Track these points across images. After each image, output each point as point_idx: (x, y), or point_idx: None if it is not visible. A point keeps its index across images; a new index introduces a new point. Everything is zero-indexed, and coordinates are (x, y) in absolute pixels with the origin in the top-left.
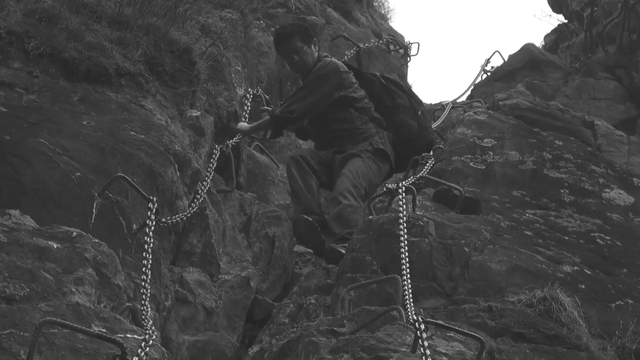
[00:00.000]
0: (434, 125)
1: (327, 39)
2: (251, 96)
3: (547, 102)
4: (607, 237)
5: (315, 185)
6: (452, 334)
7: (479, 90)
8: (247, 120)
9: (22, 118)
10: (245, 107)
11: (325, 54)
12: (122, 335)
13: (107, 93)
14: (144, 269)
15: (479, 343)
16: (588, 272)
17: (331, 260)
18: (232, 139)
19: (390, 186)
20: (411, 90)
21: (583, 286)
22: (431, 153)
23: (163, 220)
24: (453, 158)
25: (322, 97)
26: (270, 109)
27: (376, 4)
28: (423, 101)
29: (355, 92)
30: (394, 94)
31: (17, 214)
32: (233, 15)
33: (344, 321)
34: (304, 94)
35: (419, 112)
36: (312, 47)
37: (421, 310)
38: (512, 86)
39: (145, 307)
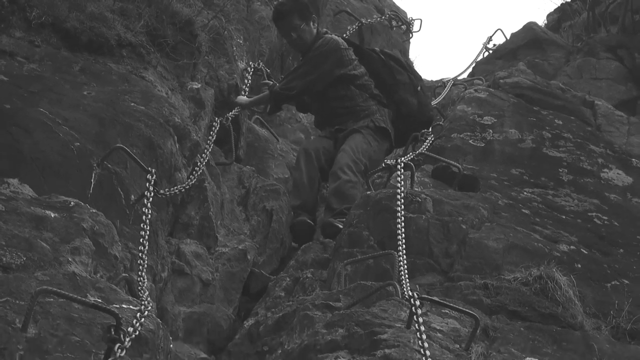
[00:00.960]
0: (434, 102)
1: (330, 14)
2: (252, 70)
3: (548, 81)
4: (605, 217)
5: (317, 183)
6: (447, 311)
7: (481, 68)
8: (247, 93)
9: (22, 87)
10: (246, 81)
11: (325, 30)
12: (117, 306)
13: (108, 64)
14: (141, 240)
15: (473, 320)
16: (584, 251)
17: (328, 235)
18: (232, 112)
19: (388, 162)
20: (411, 66)
21: (579, 265)
22: (430, 130)
23: (161, 191)
24: (452, 135)
25: (322, 74)
26: (271, 83)
27: None
28: (424, 77)
29: (356, 69)
30: (393, 71)
31: (16, 182)
32: None
33: (340, 296)
34: (304, 71)
35: (419, 89)
36: (311, 24)
37: (417, 286)
38: (513, 64)
39: (141, 278)
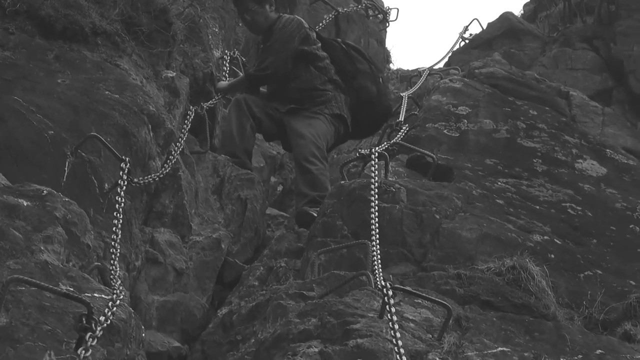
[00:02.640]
0: (409, 92)
1: (306, 3)
2: (228, 58)
3: (523, 72)
4: (579, 208)
5: (249, 129)
6: (420, 301)
7: (457, 58)
8: (228, 76)
9: None
10: (225, 69)
11: (282, 14)
12: (89, 295)
13: (83, 52)
14: (114, 228)
15: (446, 310)
16: (558, 241)
17: (303, 224)
18: (210, 102)
19: (363, 151)
20: (372, 58)
21: (552, 256)
22: (404, 119)
23: (135, 180)
24: (427, 125)
25: (292, 51)
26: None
27: None
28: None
29: (319, 50)
30: (354, 59)
31: None
32: None
33: (313, 285)
34: (275, 49)
35: (379, 79)
36: (267, 7)
37: (390, 276)
38: (489, 54)
39: (114, 267)
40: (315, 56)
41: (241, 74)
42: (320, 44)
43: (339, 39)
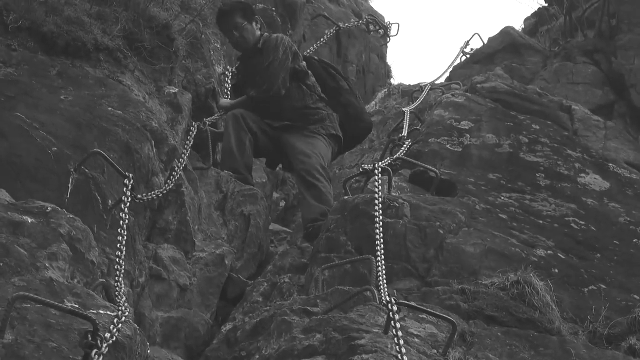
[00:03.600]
0: (412, 107)
1: (307, 18)
2: (230, 74)
3: (525, 86)
4: (582, 222)
5: (249, 144)
6: (424, 316)
7: (458, 73)
8: (229, 96)
9: None
10: (227, 85)
11: (267, 34)
12: (94, 312)
13: (86, 68)
14: (118, 245)
15: (451, 325)
16: (562, 256)
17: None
18: (210, 117)
19: (366, 167)
20: (347, 76)
21: (556, 270)
22: (405, 134)
23: (139, 196)
24: (430, 140)
25: (288, 70)
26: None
27: None
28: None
29: (304, 67)
30: (335, 77)
31: None
32: None
33: (318, 301)
34: (274, 71)
35: (358, 96)
36: (254, 24)
37: (394, 291)
38: (491, 69)
39: (119, 284)
40: (305, 74)
41: None
42: (304, 62)
43: (315, 57)
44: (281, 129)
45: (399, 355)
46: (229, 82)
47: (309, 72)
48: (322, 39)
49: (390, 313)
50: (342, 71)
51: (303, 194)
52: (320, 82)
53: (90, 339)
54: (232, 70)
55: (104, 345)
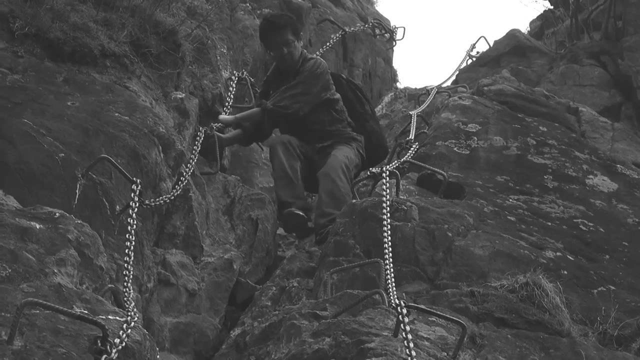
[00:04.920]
0: (418, 110)
1: (313, 23)
2: (236, 79)
3: (532, 88)
4: (590, 224)
5: (299, 170)
6: (434, 319)
7: (464, 76)
8: (231, 101)
9: (5, 98)
10: (231, 89)
11: (304, 50)
12: (103, 317)
13: (92, 74)
14: (126, 250)
15: (460, 328)
16: (570, 258)
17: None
18: (218, 124)
19: (374, 170)
20: (368, 97)
21: (565, 272)
22: (412, 137)
23: (146, 202)
24: (437, 143)
25: (313, 97)
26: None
27: None
28: (407, 86)
29: (335, 94)
30: (362, 101)
31: (0, 194)
32: None
33: (326, 305)
34: (299, 91)
35: (378, 120)
36: (299, 42)
37: (403, 294)
38: (497, 72)
39: (127, 289)
40: (335, 101)
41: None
42: (334, 87)
43: (344, 76)
44: (318, 152)
45: (409, 358)
46: (234, 87)
47: (337, 96)
48: (328, 43)
49: (400, 316)
50: (349, 75)
51: (320, 193)
52: (347, 104)
53: (99, 344)
54: (238, 75)
55: (113, 351)
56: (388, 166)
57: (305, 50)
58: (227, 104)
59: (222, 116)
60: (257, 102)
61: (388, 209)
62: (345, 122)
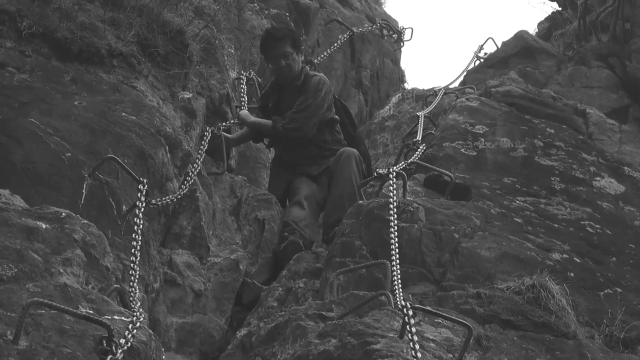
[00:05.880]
0: (426, 111)
1: (321, 23)
2: (245, 79)
3: (540, 90)
4: (597, 226)
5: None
6: (440, 320)
7: (472, 77)
8: (245, 102)
9: (13, 97)
10: (242, 91)
11: (305, 64)
12: (109, 317)
13: (99, 73)
14: (133, 250)
15: (466, 330)
16: (577, 260)
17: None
18: (224, 122)
19: (381, 171)
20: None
21: (572, 274)
22: (420, 139)
23: (153, 201)
24: (444, 144)
25: (321, 117)
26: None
27: None
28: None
29: (335, 114)
30: (354, 124)
31: (7, 193)
32: None
33: (332, 306)
34: (308, 114)
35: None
36: (300, 55)
37: (410, 295)
38: (504, 73)
39: (133, 289)
40: (336, 120)
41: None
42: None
43: (336, 96)
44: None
45: None
46: (245, 87)
47: (338, 119)
48: (335, 44)
49: (406, 317)
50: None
51: (333, 190)
52: (342, 126)
53: (105, 344)
54: (245, 75)
55: (119, 351)
56: (395, 167)
57: (307, 66)
58: (242, 102)
59: (244, 111)
60: (259, 114)
61: (395, 210)
62: (342, 142)
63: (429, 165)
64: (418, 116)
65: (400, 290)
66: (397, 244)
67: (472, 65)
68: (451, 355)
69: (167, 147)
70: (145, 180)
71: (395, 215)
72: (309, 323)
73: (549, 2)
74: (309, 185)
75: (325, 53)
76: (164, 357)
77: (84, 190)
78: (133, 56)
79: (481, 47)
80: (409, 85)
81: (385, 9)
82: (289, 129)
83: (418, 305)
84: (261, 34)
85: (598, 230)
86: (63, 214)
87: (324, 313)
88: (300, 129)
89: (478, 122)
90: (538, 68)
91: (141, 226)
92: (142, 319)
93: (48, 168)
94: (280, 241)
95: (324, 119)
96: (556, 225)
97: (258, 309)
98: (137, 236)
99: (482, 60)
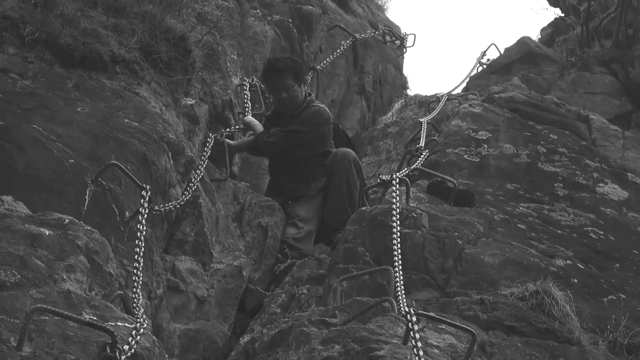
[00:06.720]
0: (428, 117)
1: (324, 29)
2: (247, 85)
3: (543, 96)
4: (601, 232)
5: None
6: (443, 327)
7: (475, 83)
8: (249, 108)
9: (15, 104)
10: (245, 98)
11: (310, 92)
12: (112, 324)
13: (102, 80)
14: (136, 256)
15: (470, 336)
16: (581, 266)
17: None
18: (227, 128)
19: (384, 177)
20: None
21: (575, 280)
22: (422, 145)
23: (156, 208)
24: (447, 150)
25: (304, 146)
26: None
27: None
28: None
29: (332, 146)
30: (356, 151)
31: (10, 200)
32: (229, 4)
33: (336, 312)
34: (289, 137)
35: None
36: (302, 86)
37: (413, 302)
38: (507, 79)
39: (136, 295)
40: (328, 153)
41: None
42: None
43: (340, 126)
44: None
45: None
46: (248, 93)
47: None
48: (338, 50)
49: (409, 323)
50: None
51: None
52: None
53: (108, 351)
54: (248, 81)
55: (122, 358)
56: (398, 173)
57: (312, 96)
58: (247, 108)
59: (248, 117)
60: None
61: (398, 216)
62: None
63: (432, 172)
64: (421, 122)
65: (404, 296)
66: (400, 250)
67: (474, 72)
68: None
69: (170, 153)
70: (148, 187)
71: (399, 222)
72: (313, 329)
73: (552, 8)
74: (303, 204)
75: (327, 59)
76: None
77: (86, 197)
78: (136, 62)
79: (484, 53)
80: (411, 91)
81: (387, 15)
82: (266, 142)
83: (421, 312)
84: (267, 34)
85: (601, 237)
86: (66, 220)
87: (327, 319)
88: (274, 145)
89: (481, 128)
90: (541, 74)
91: (144, 232)
92: (145, 325)
93: (51, 174)
94: (277, 261)
95: (316, 151)
96: (559, 232)
97: (261, 316)
98: (140, 242)
99: (484, 66)
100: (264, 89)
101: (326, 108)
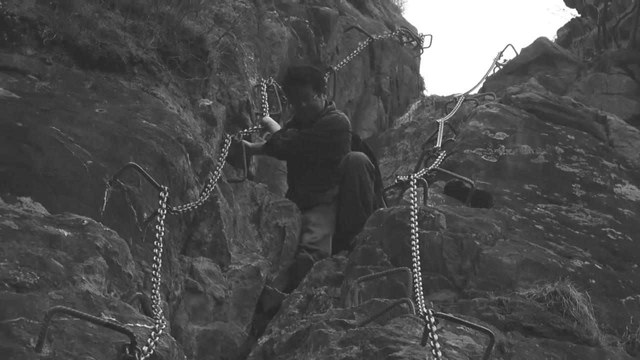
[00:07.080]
0: (446, 118)
1: (340, 30)
2: (265, 86)
3: (560, 97)
4: (618, 232)
5: None
6: (462, 328)
7: (492, 84)
8: (267, 108)
9: (34, 105)
10: (263, 98)
11: (331, 100)
12: (131, 325)
13: (120, 81)
14: (154, 257)
15: (488, 337)
16: (599, 267)
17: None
18: (244, 129)
19: (401, 178)
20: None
21: (593, 281)
22: (440, 146)
23: (174, 209)
24: (465, 151)
25: (317, 151)
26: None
27: None
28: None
29: (347, 151)
30: (376, 162)
31: (29, 201)
32: (246, 5)
33: (354, 313)
34: (304, 139)
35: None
36: (322, 96)
37: (431, 303)
38: (524, 80)
39: (155, 296)
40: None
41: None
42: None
43: (360, 138)
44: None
45: None
46: (265, 94)
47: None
48: (355, 51)
49: (428, 324)
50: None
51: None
52: None
53: (128, 352)
54: (265, 82)
55: (142, 359)
56: (416, 174)
57: (333, 104)
58: (264, 108)
59: (266, 117)
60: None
61: (416, 217)
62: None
63: (450, 172)
64: (438, 123)
65: (422, 297)
66: (418, 251)
67: (491, 72)
68: None
69: (187, 154)
70: (166, 188)
71: (417, 223)
72: (331, 330)
73: (569, 8)
74: (317, 212)
75: (344, 60)
76: None
77: (105, 198)
78: (153, 64)
79: (501, 54)
80: (428, 92)
81: (404, 16)
82: (282, 140)
83: (440, 313)
84: (284, 35)
85: (619, 237)
86: (85, 221)
87: (345, 320)
88: (290, 145)
89: (498, 129)
90: (558, 75)
91: (162, 234)
92: (164, 326)
93: (69, 175)
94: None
95: (331, 157)
96: (577, 232)
97: (279, 316)
98: (158, 244)
99: (501, 67)
100: (281, 90)
101: (345, 116)
